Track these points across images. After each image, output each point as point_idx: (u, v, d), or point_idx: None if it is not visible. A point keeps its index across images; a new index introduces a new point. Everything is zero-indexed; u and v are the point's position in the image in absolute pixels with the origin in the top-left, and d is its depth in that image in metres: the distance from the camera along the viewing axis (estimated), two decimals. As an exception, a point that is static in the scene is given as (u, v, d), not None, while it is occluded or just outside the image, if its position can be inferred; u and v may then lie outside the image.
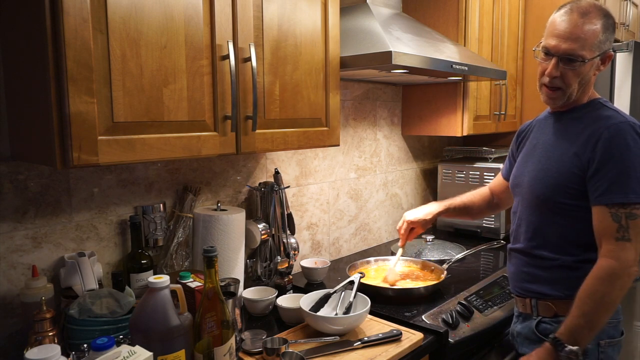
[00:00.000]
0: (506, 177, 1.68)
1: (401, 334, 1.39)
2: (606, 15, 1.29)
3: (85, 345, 0.98)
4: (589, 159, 1.27)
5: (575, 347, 1.22)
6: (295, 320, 1.48)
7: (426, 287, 1.66)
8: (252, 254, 1.71)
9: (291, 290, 1.66)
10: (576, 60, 1.27)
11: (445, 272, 1.76)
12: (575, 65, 1.28)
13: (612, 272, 1.21)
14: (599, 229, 1.27)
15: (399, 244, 1.79)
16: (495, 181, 1.77)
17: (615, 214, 1.23)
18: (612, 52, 1.32)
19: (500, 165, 2.35)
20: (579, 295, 1.24)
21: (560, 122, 1.41)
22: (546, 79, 1.33)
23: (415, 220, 1.73)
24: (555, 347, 1.24)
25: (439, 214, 1.74)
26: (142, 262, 1.40)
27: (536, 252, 1.40)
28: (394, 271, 1.77)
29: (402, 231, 1.76)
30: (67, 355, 1.01)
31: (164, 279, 1.05)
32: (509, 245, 1.53)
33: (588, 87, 1.36)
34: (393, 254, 2.09)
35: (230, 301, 1.27)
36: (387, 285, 1.70)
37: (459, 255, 1.93)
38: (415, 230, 1.76)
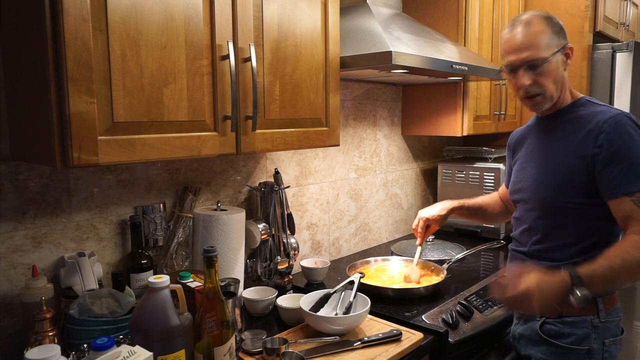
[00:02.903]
0: (508, 186, 1.69)
1: (401, 334, 1.39)
2: (547, 18, 1.36)
3: (85, 345, 0.98)
4: (594, 154, 1.28)
5: (585, 291, 1.16)
6: (295, 320, 1.48)
7: (426, 287, 1.66)
8: (252, 254, 1.71)
9: (291, 290, 1.66)
10: (539, 63, 1.32)
11: (445, 272, 1.77)
12: (540, 68, 1.33)
13: None
14: (622, 217, 1.26)
15: (417, 242, 1.80)
16: (501, 190, 1.79)
17: (637, 200, 1.23)
18: (571, 45, 1.37)
19: (500, 165, 2.36)
20: (609, 252, 1.21)
21: (553, 125, 1.42)
22: (522, 92, 1.37)
23: (430, 217, 1.73)
24: (572, 282, 1.18)
25: (453, 209, 1.74)
26: (142, 262, 1.40)
27: (543, 254, 1.40)
28: (416, 270, 1.79)
29: (419, 229, 1.76)
30: (67, 355, 1.01)
31: (164, 279, 1.05)
32: (511, 247, 1.53)
33: (565, 85, 1.39)
34: (393, 253, 2.10)
35: (230, 301, 1.27)
36: (387, 285, 1.71)
37: (459, 255, 1.93)
38: (431, 227, 1.76)
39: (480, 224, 2.41)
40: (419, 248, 1.81)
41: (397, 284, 1.74)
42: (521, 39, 1.33)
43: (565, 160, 1.34)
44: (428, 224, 1.75)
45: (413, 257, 2.00)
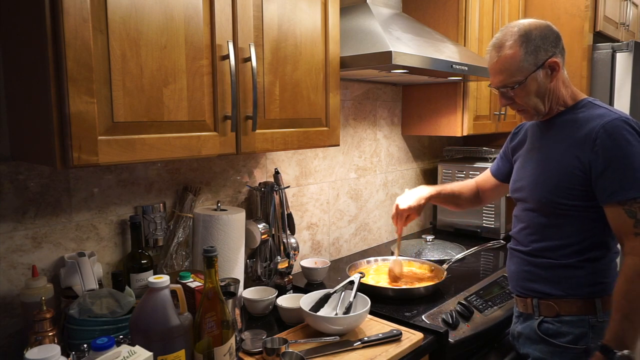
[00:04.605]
0: (495, 175, 1.70)
1: (401, 334, 1.39)
2: (523, 35, 1.32)
3: (85, 345, 0.98)
4: (590, 160, 1.28)
5: (625, 351, 1.20)
6: (295, 320, 1.48)
7: (426, 287, 1.66)
8: (252, 254, 1.71)
9: (291, 290, 1.66)
10: (511, 87, 1.34)
11: (445, 272, 1.76)
12: (514, 90, 1.35)
13: (638, 270, 1.22)
14: (616, 227, 1.27)
15: (396, 232, 1.76)
16: (483, 176, 1.78)
17: (629, 210, 1.24)
18: (554, 58, 1.33)
19: (500, 165, 2.35)
20: (614, 298, 1.25)
21: (553, 126, 1.42)
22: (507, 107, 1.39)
23: (409, 207, 1.67)
24: (605, 355, 1.23)
25: (431, 197, 1.72)
26: (142, 262, 1.40)
27: (541, 253, 1.40)
28: (399, 262, 1.77)
29: (398, 219, 1.71)
30: (67, 355, 1.01)
31: (164, 279, 1.05)
32: (510, 245, 1.53)
33: (559, 93, 1.38)
34: (393, 254, 2.09)
35: (230, 301, 1.27)
36: (387, 285, 1.71)
37: (459, 255, 1.93)
38: (410, 216, 1.71)
39: (477, 222, 2.42)
40: (397, 242, 1.79)
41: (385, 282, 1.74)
42: (494, 64, 1.36)
43: (562, 162, 1.34)
44: (407, 213, 1.69)
45: (413, 257, 2.01)
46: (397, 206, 1.69)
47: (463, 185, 1.81)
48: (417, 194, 1.71)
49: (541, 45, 1.32)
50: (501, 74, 1.35)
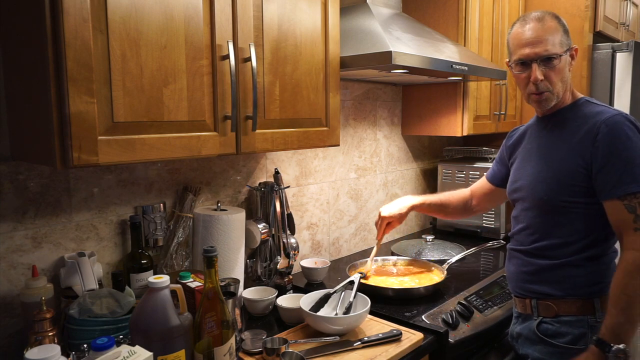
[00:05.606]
0: (491, 180, 1.70)
1: (401, 334, 1.39)
2: (558, 17, 1.38)
3: (85, 345, 0.98)
4: (592, 154, 1.28)
5: (621, 345, 1.20)
6: (295, 320, 1.48)
7: (426, 287, 1.66)
8: (252, 254, 1.71)
9: (291, 290, 1.66)
10: (554, 58, 1.33)
11: (445, 272, 1.76)
12: (554, 63, 1.34)
13: (638, 264, 1.22)
14: (615, 222, 1.27)
15: (376, 237, 1.79)
16: (479, 184, 1.78)
17: (628, 205, 1.24)
18: (576, 47, 1.40)
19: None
20: (612, 292, 1.24)
21: (552, 124, 1.42)
22: (532, 87, 1.37)
23: (390, 215, 1.73)
24: (601, 349, 1.22)
25: (414, 207, 1.75)
26: (142, 262, 1.40)
27: (539, 252, 1.40)
28: (371, 269, 1.80)
29: (378, 227, 1.76)
30: (67, 355, 1.01)
31: (164, 279, 1.05)
32: (510, 246, 1.53)
33: (569, 85, 1.41)
34: (393, 253, 2.10)
35: (230, 301, 1.27)
36: (387, 285, 1.71)
37: (459, 255, 1.93)
38: (392, 224, 1.76)
39: (477, 222, 2.42)
40: (376, 245, 1.81)
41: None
42: (536, 33, 1.34)
43: (563, 159, 1.35)
44: (389, 221, 1.74)
45: (413, 257, 2.01)
46: (379, 213, 1.76)
47: (453, 194, 1.81)
48: (400, 203, 1.75)
49: (568, 32, 1.38)
50: (544, 44, 1.33)
